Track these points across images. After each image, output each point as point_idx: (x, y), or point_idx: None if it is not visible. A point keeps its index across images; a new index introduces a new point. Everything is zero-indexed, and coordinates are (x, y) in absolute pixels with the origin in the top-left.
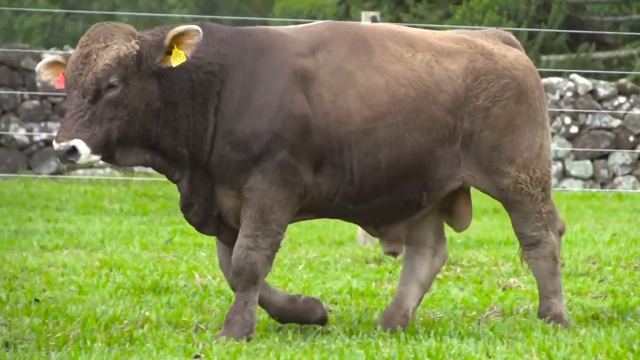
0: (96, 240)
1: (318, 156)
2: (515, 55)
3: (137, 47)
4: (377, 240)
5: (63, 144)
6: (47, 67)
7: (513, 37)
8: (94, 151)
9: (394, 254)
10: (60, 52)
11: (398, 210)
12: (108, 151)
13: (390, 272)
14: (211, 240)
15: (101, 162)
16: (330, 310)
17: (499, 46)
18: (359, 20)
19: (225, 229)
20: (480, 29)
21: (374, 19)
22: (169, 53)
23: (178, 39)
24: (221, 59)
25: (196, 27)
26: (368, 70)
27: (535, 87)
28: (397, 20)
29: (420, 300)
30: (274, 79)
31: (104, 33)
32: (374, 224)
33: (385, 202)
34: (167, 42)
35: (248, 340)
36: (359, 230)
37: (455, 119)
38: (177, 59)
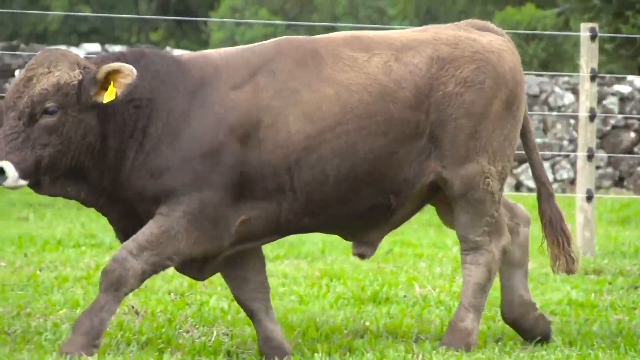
0: (316, 251)
1: (248, 185)
2: (488, 40)
3: (80, 77)
4: (595, 250)
5: None
6: None
7: (491, 25)
8: (22, 176)
9: (362, 256)
10: None
11: (365, 217)
12: (36, 177)
13: (609, 283)
14: (431, 251)
15: None
16: (549, 322)
17: (469, 33)
18: (578, 31)
19: None
20: None
21: (592, 31)
22: (105, 88)
23: (112, 75)
24: (151, 94)
25: (130, 67)
26: (316, 83)
27: (516, 72)
28: (616, 31)
29: (526, 278)
30: (200, 118)
31: (50, 59)
32: (349, 232)
33: (343, 212)
34: (100, 77)
35: (94, 348)
36: (579, 241)
37: (418, 113)
38: (109, 96)
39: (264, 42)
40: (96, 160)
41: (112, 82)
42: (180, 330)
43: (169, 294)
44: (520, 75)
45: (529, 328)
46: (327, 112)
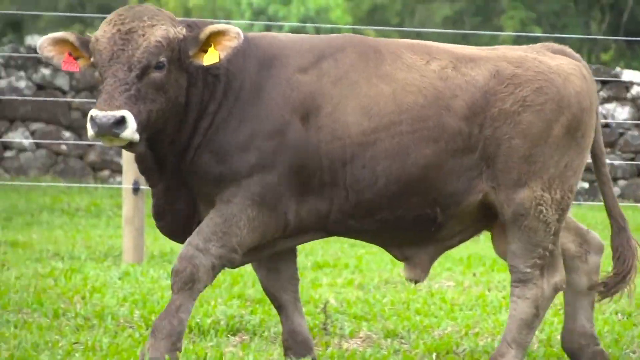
0: None
1: (307, 174)
2: (559, 62)
3: (184, 33)
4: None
5: (110, 113)
6: (52, 44)
7: (569, 49)
8: (139, 129)
9: (415, 281)
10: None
11: (410, 227)
12: (145, 134)
13: None
14: None
15: None
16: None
17: (537, 55)
18: None
19: None
20: None
21: None
22: (204, 51)
23: (216, 37)
24: (228, 63)
25: (237, 29)
26: (375, 79)
27: (583, 97)
28: None
29: (592, 308)
30: (268, 95)
31: (146, 13)
32: (394, 245)
33: (390, 217)
34: (203, 37)
35: (177, 351)
36: None
37: (471, 126)
38: (211, 58)
39: (332, 35)
40: (176, 127)
41: (213, 45)
42: (627, 351)
43: (616, 314)
44: (589, 102)
45: None
46: (383, 109)
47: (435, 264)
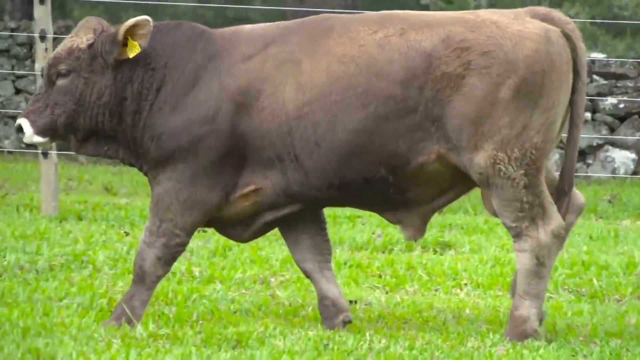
0: None
1: (252, 153)
2: (522, 27)
3: (90, 41)
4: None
5: (17, 120)
6: None
7: (555, 13)
8: (37, 132)
9: (413, 239)
10: None
11: (368, 190)
12: (56, 135)
13: None
14: None
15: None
16: None
17: (510, 20)
18: None
19: None
20: None
21: None
22: (126, 45)
23: (131, 32)
24: (167, 58)
25: (144, 17)
26: (316, 56)
27: (536, 61)
28: None
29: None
30: (205, 84)
31: (79, 27)
32: (382, 210)
33: (342, 183)
34: (120, 36)
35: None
36: None
37: (408, 88)
38: (133, 50)
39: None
40: (121, 121)
41: (130, 38)
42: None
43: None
44: (548, 65)
45: None
46: (316, 82)
47: None
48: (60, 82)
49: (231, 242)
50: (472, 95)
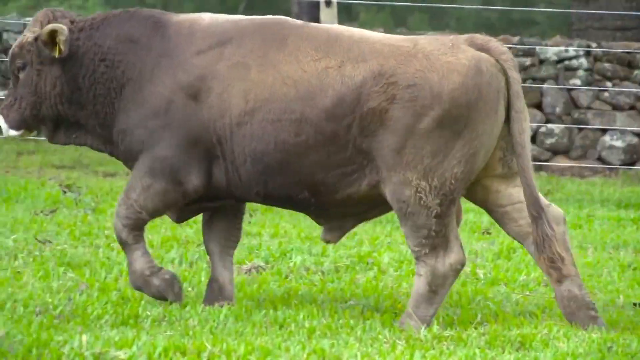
0: None
1: (203, 147)
2: (453, 59)
3: (37, 33)
4: None
5: None
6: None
7: (493, 43)
8: (11, 127)
9: (328, 242)
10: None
11: (289, 204)
12: (29, 127)
13: None
14: None
15: None
16: None
17: (445, 49)
18: None
19: None
20: None
21: None
22: (55, 44)
23: (54, 35)
24: (121, 55)
25: (60, 26)
26: (265, 66)
27: (462, 93)
28: None
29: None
30: (158, 79)
31: (32, 20)
32: (307, 213)
33: (265, 192)
34: (44, 38)
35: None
36: None
37: (338, 125)
38: (57, 51)
39: (261, 17)
40: (84, 110)
41: (55, 40)
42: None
43: None
44: (473, 97)
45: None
46: (259, 95)
47: None
48: (20, 75)
49: (515, 244)
50: (395, 127)
